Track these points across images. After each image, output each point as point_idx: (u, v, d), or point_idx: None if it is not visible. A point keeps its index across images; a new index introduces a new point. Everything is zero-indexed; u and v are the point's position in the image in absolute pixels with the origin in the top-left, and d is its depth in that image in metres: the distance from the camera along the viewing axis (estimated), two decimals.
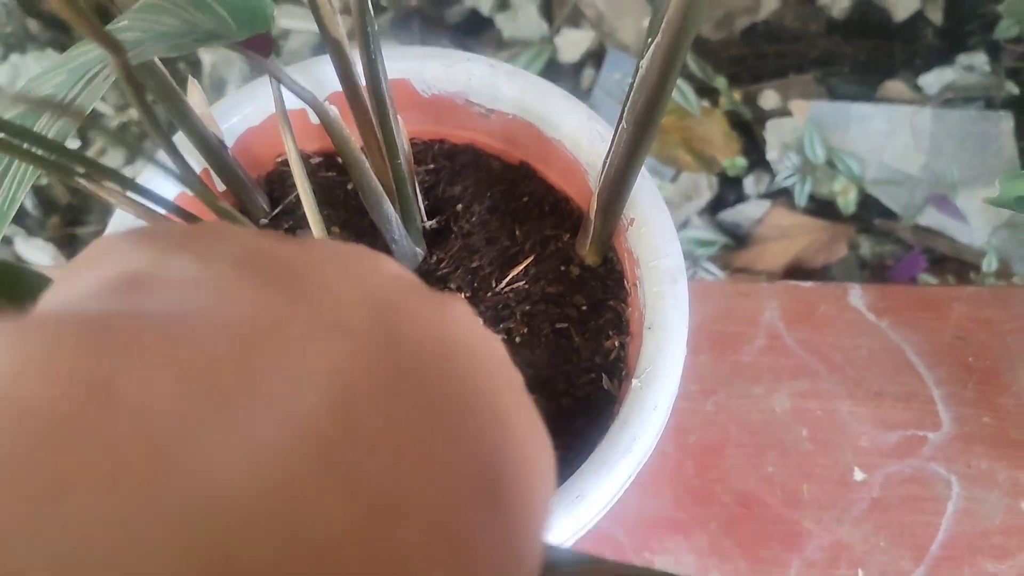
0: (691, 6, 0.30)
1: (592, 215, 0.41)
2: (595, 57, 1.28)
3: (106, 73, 0.28)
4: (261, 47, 0.30)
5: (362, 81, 0.37)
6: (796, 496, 0.54)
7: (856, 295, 0.59)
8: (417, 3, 1.31)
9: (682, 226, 1.16)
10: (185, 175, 0.26)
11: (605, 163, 0.38)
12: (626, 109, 0.35)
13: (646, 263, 0.40)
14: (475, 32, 1.32)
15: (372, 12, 0.33)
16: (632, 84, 0.34)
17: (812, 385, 0.56)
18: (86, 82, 0.28)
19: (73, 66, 0.31)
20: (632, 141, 0.36)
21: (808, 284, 0.60)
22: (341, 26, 0.34)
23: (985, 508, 0.54)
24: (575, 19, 1.31)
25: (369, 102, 0.37)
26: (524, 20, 1.30)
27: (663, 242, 0.40)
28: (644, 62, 0.33)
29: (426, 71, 0.44)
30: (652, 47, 0.32)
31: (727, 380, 0.56)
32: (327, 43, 0.35)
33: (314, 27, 1.31)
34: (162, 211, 0.33)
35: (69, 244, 1.20)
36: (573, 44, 1.28)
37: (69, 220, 1.22)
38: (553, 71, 1.28)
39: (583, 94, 1.25)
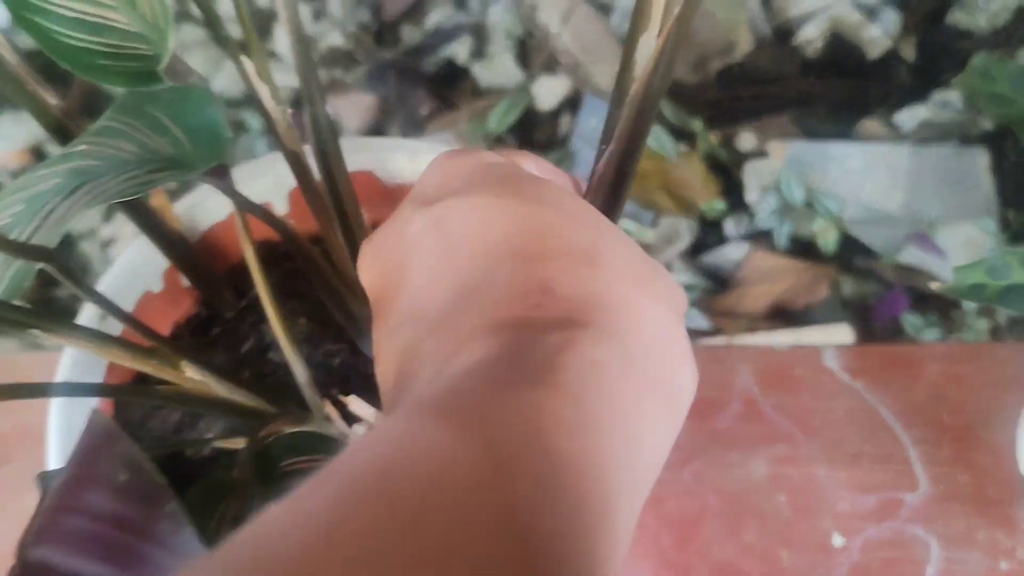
0: (641, 118, 0.31)
1: None
2: (571, 104, 1.29)
3: (64, 208, 0.28)
4: (218, 170, 0.30)
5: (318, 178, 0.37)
6: (776, 564, 0.54)
7: (831, 356, 0.60)
8: (392, 56, 1.32)
9: None
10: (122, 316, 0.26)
11: None
12: None
13: None
14: (451, 82, 1.33)
15: (332, 123, 0.33)
16: (590, 186, 0.35)
17: (789, 450, 0.56)
18: (44, 217, 0.28)
19: (31, 195, 0.31)
20: None
21: (782, 347, 0.60)
22: (298, 140, 0.35)
23: (966, 569, 0.54)
24: (551, 66, 1.32)
25: (329, 204, 0.37)
26: (500, 68, 1.31)
27: None
28: (599, 167, 0.34)
29: (390, 163, 0.45)
30: (607, 153, 0.33)
31: (704, 448, 0.57)
32: (285, 155, 0.35)
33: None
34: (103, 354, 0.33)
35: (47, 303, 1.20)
36: (550, 91, 1.30)
37: (45, 281, 1.22)
38: (531, 119, 1.29)
39: (561, 141, 1.26)
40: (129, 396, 0.38)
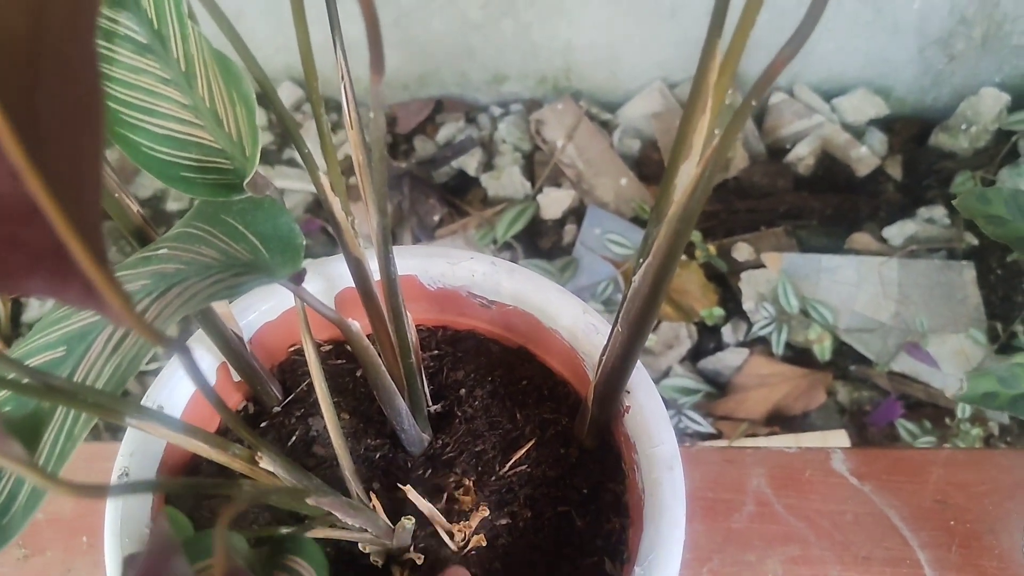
0: (678, 236, 0.34)
1: (590, 404, 0.44)
2: (576, 214, 1.34)
3: (157, 309, 0.31)
4: (297, 276, 0.33)
5: (376, 278, 0.40)
6: None
7: (839, 459, 0.62)
8: (407, 165, 1.37)
9: (664, 375, 1.19)
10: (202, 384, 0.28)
11: (601, 360, 0.41)
12: (620, 315, 0.38)
13: (643, 449, 0.43)
14: (462, 191, 1.38)
15: (392, 239, 0.36)
16: (625, 295, 0.38)
17: (802, 551, 0.58)
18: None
19: None
20: (627, 342, 0.39)
21: (792, 449, 0.62)
22: (361, 247, 0.38)
23: None
24: (556, 179, 1.38)
25: (385, 311, 0.40)
26: (508, 180, 1.37)
27: (658, 429, 0.43)
28: (636, 278, 0.36)
29: (432, 268, 0.48)
30: (644, 266, 0.36)
31: (720, 547, 0.58)
32: (348, 260, 0.38)
33: (309, 187, 1.37)
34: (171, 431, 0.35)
35: None
36: (555, 202, 1.35)
37: None
38: (537, 227, 1.33)
39: (565, 249, 1.31)
40: (206, 490, 0.40)
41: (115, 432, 0.98)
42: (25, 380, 0.27)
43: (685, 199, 0.33)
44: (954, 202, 0.51)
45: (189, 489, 0.41)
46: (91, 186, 0.18)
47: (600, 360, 0.41)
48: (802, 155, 1.38)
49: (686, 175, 0.33)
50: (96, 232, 0.18)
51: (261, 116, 1.36)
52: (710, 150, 0.32)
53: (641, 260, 0.37)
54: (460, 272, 0.48)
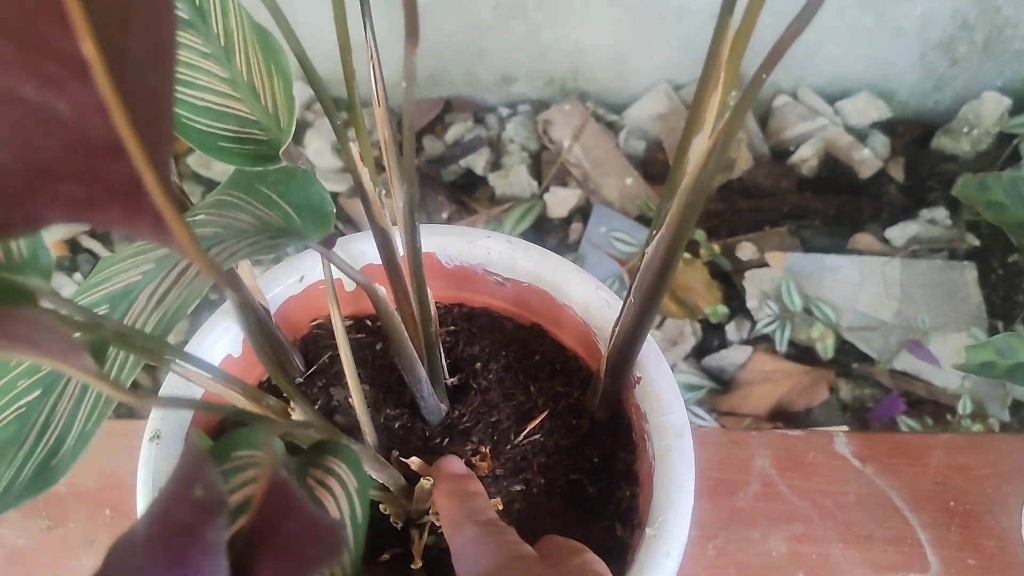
0: (689, 209, 0.36)
1: (602, 375, 0.45)
2: (582, 212, 1.36)
3: (196, 269, 0.32)
4: (327, 240, 0.35)
5: (401, 253, 0.42)
6: None
7: (841, 442, 0.63)
8: (416, 163, 1.39)
9: None
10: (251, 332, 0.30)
11: (614, 331, 0.43)
12: (633, 287, 0.40)
13: (653, 419, 0.44)
14: (470, 189, 1.40)
15: (416, 213, 0.38)
16: (638, 268, 0.39)
17: (806, 529, 0.60)
18: (178, 275, 0.33)
19: (158, 256, 0.35)
20: (639, 313, 0.41)
21: (796, 432, 0.64)
22: (388, 218, 0.39)
23: None
24: (562, 178, 1.40)
25: (409, 283, 0.42)
26: (515, 179, 1.38)
27: (668, 399, 0.45)
28: (649, 250, 0.38)
29: (450, 246, 0.50)
30: (656, 238, 0.37)
31: (726, 525, 0.60)
32: (375, 231, 0.40)
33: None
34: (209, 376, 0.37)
35: None
36: (561, 200, 1.37)
37: None
38: (543, 225, 1.35)
39: (571, 246, 1.32)
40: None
41: (134, 412, 1.00)
42: (79, 319, 0.29)
43: (697, 171, 0.35)
44: (954, 190, 0.52)
45: (232, 415, 0.43)
46: (165, 126, 0.19)
47: (612, 332, 0.43)
48: (805, 157, 1.40)
49: (698, 148, 0.34)
50: (166, 171, 0.20)
51: None
52: (722, 123, 0.34)
53: (654, 232, 0.38)
54: (477, 250, 0.50)
